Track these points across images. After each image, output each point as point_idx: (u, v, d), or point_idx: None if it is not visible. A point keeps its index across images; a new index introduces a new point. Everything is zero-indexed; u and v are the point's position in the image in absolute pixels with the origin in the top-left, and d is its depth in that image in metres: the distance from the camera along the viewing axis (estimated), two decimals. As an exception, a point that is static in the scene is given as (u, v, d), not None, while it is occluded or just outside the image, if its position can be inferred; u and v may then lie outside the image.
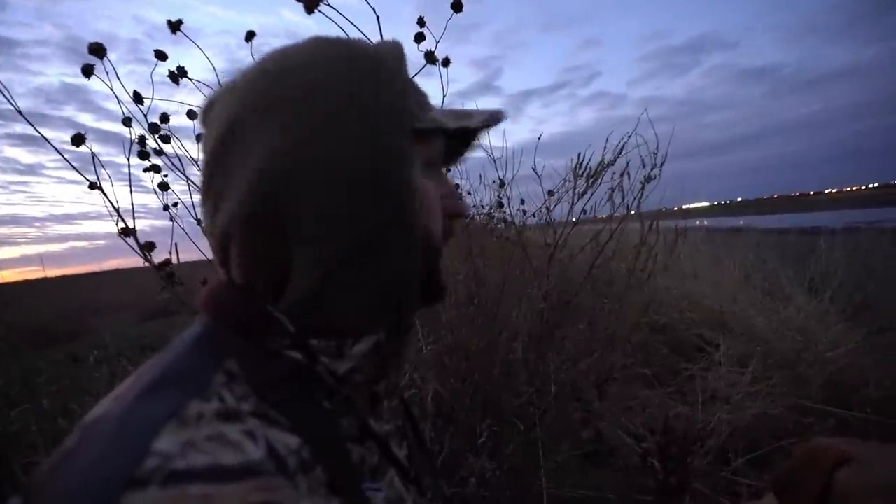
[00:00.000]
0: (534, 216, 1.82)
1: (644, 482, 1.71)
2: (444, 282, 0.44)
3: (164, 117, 1.09)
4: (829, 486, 0.72)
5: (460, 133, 0.41)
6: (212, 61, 1.14)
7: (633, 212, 1.58)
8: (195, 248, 1.30)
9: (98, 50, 0.92)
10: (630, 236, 1.82)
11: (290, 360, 0.35)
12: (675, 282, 3.38)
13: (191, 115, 1.18)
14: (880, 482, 0.67)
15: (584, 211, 1.49)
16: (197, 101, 1.13)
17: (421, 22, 1.33)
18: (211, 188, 0.37)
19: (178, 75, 1.00)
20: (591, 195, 1.47)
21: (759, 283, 3.78)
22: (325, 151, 0.34)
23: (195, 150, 1.23)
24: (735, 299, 3.35)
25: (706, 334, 3.04)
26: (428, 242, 0.40)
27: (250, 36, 1.00)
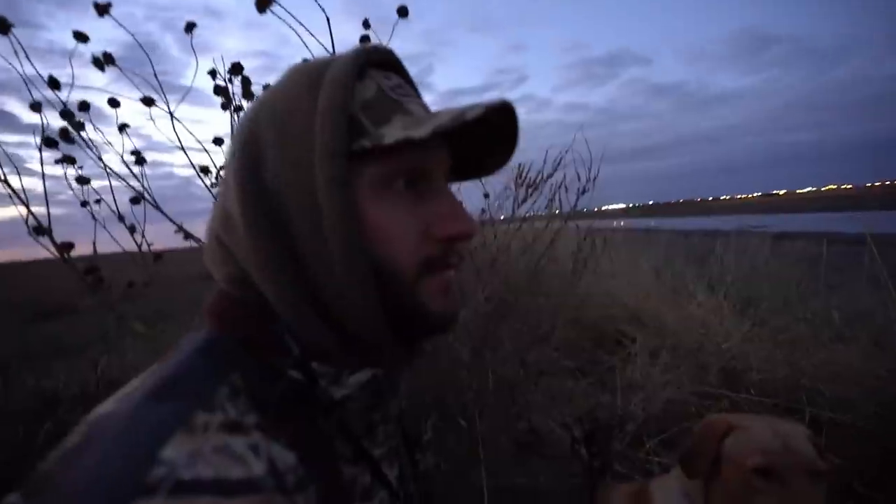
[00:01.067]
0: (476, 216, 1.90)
1: (572, 467, 1.86)
2: (435, 313, 0.39)
3: (84, 105, 0.98)
4: (719, 451, 0.88)
5: (407, 144, 0.34)
6: (114, 33, 1.02)
7: (567, 220, 1.70)
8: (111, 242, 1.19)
9: (1, 23, 0.81)
10: (564, 238, 1.95)
11: (291, 380, 0.36)
12: (597, 280, 3.66)
13: (113, 103, 1.08)
14: (756, 442, 0.85)
15: (523, 218, 1.58)
16: (99, 82, 1.01)
17: (366, 24, 1.33)
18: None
19: (104, 62, 0.90)
20: (534, 203, 1.57)
21: (668, 281, 4.21)
22: (267, 176, 0.36)
23: (117, 140, 1.12)
24: (648, 296, 3.71)
25: (624, 328, 3.34)
26: (385, 274, 0.36)
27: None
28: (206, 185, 1.11)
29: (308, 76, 0.37)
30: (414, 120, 0.36)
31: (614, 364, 2.74)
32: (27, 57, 0.84)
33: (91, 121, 1.06)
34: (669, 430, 1.95)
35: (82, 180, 1.09)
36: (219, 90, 1.17)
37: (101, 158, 1.10)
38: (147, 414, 0.29)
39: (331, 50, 1.21)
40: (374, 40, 1.32)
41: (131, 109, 1.17)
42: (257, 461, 0.29)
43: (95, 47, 0.97)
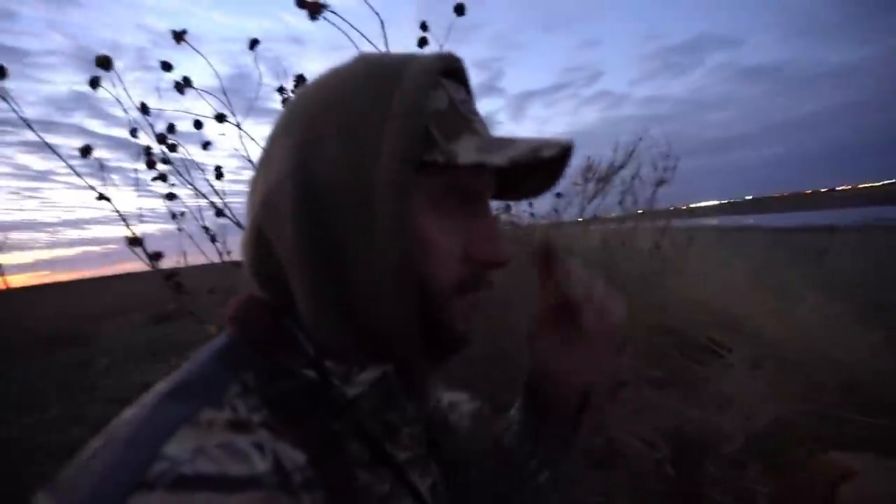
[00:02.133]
0: (543, 218, 1.82)
1: (655, 488, 1.69)
2: (458, 333, 0.39)
3: (171, 128, 1.09)
4: (832, 500, 0.72)
5: (480, 168, 0.34)
6: (216, 69, 1.14)
7: (642, 212, 1.56)
8: (202, 253, 1.31)
9: (105, 62, 0.93)
10: (641, 237, 1.80)
11: (304, 379, 0.36)
12: (684, 283, 3.34)
13: (197, 124, 1.19)
14: (879, 495, 0.67)
15: (594, 216, 1.48)
16: (202, 108, 1.14)
17: (424, 27, 1.32)
18: (251, 191, 0.40)
19: (183, 85, 1.00)
20: (604, 198, 1.46)
21: (769, 283, 3.73)
22: (322, 171, 0.34)
23: (202, 157, 1.24)
24: (745, 300, 3.31)
25: (716, 336, 3.00)
26: (426, 288, 0.36)
27: (254, 44, 1.00)
28: None
29: (383, 75, 0.36)
30: (485, 142, 0.36)
31: (707, 375, 2.47)
32: (124, 88, 0.96)
33: (180, 143, 1.18)
34: (776, 456, 1.69)
35: (171, 196, 1.21)
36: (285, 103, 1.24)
37: (189, 178, 1.22)
38: (156, 415, 0.29)
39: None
40: (433, 45, 1.31)
41: (229, 132, 1.29)
42: (261, 459, 0.29)
43: (200, 81, 1.10)
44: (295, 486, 0.30)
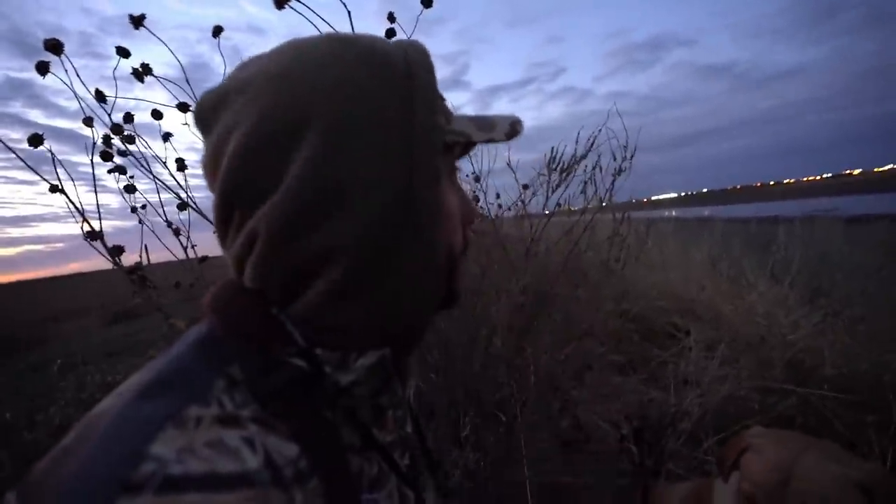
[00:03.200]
0: (509, 209, 1.85)
1: (621, 466, 1.77)
2: (460, 290, 0.43)
3: (129, 117, 1.04)
4: (737, 466, 0.80)
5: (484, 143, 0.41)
6: (174, 57, 1.10)
7: (604, 204, 1.62)
8: (165, 248, 1.27)
9: (55, 47, 0.87)
10: (602, 228, 1.87)
11: (294, 368, 0.34)
12: (645, 271, 3.49)
13: (156, 114, 1.14)
14: (754, 471, 0.76)
15: (558, 204, 1.52)
16: (159, 98, 1.09)
17: (391, 17, 1.32)
18: (241, 194, 0.35)
19: (142, 73, 0.95)
20: (566, 188, 1.51)
21: (724, 270, 3.95)
22: (357, 169, 0.33)
23: (161, 150, 1.19)
24: (703, 287, 3.49)
25: (676, 321, 3.16)
26: (450, 260, 0.40)
27: (218, 31, 0.96)
28: None
29: (388, 62, 0.36)
30: (474, 121, 0.40)
31: (666, 358, 2.60)
32: (77, 74, 0.91)
33: (138, 134, 1.13)
34: (729, 429, 1.81)
35: (130, 188, 1.16)
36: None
37: (146, 167, 1.17)
38: (138, 410, 0.28)
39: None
40: (400, 35, 1.31)
41: (186, 129, 1.24)
42: (252, 455, 0.28)
43: (157, 70, 1.04)
44: (287, 481, 0.29)
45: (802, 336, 2.12)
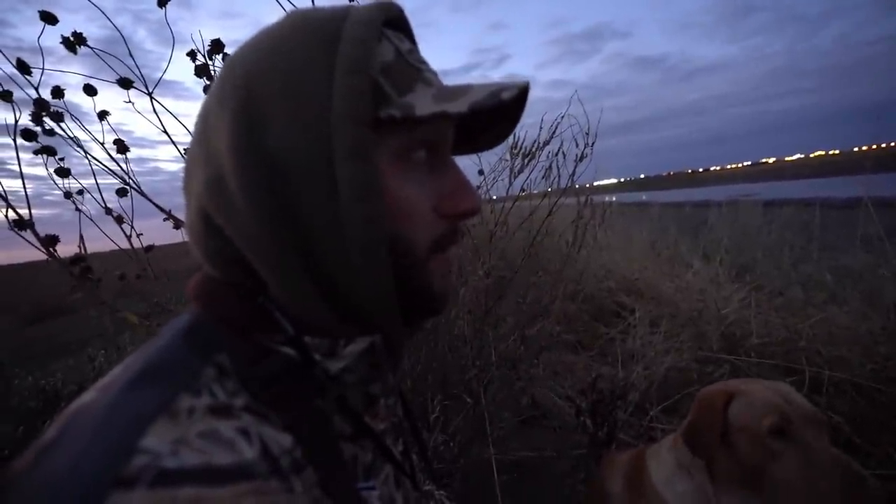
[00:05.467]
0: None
1: (577, 438, 1.88)
2: (437, 294, 0.38)
3: (58, 92, 0.92)
4: (726, 421, 0.85)
5: (441, 119, 0.32)
6: (86, 29, 0.97)
7: (566, 187, 1.68)
8: (101, 238, 1.15)
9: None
10: (562, 212, 1.93)
11: (283, 357, 0.33)
12: (593, 254, 3.67)
13: (89, 89, 1.02)
14: (763, 403, 0.81)
15: (522, 189, 1.55)
16: (71, 74, 0.96)
17: None
18: (187, 177, 0.36)
19: (75, 43, 0.84)
20: (530, 173, 1.54)
21: (663, 252, 4.24)
22: (270, 140, 0.32)
23: (98, 131, 1.07)
24: (645, 267, 3.73)
25: (622, 300, 3.36)
26: (401, 253, 0.34)
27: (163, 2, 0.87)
28: None
29: (321, 30, 0.33)
30: (440, 91, 0.33)
31: (613, 335, 2.77)
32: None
33: (68, 111, 1.00)
34: (672, 397, 1.97)
35: (62, 172, 1.04)
36: (201, 71, 1.11)
37: (82, 148, 1.05)
38: (127, 402, 0.26)
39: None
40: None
41: (111, 105, 1.11)
42: (248, 446, 0.27)
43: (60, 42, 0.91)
44: (285, 471, 0.29)
45: (733, 310, 2.33)
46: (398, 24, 0.38)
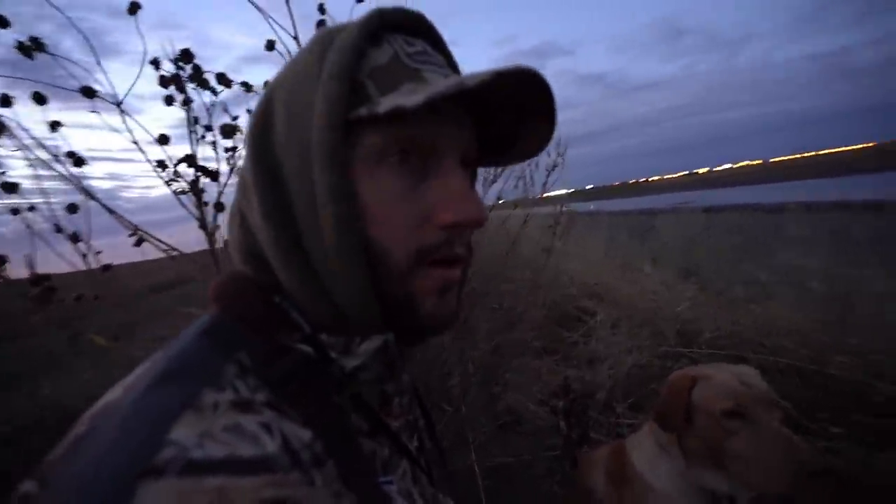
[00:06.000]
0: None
1: (550, 441, 1.93)
2: (428, 314, 0.36)
3: (5, 100, 0.86)
4: (689, 403, 0.94)
5: (398, 113, 0.30)
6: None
7: (540, 196, 1.74)
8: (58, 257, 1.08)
9: None
10: (533, 221, 2.01)
11: (301, 354, 0.34)
12: (558, 260, 3.81)
13: (38, 98, 0.97)
14: (721, 388, 0.90)
15: (499, 198, 1.61)
16: None
17: (321, 9, 1.29)
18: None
19: (32, 48, 0.80)
20: (504, 182, 1.60)
21: (616, 257, 4.48)
22: (274, 142, 0.36)
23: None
24: (601, 273, 3.92)
25: (583, 305, 3.51)
26: (375, 257, 0.33)
27: (135, 8, 0.85)
28: (165, 181, 1.02)
29: (321, 41, 0.35)
30: (418, 88, 0.32)
31: (577, 339, 2.88)
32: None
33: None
34: (637, 394, 2.08)
35: (8, 187, 0.98)
36: (167, 81, 1.08)
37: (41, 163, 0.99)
38: (153, 398, 0.27)
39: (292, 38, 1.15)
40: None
41: (36, 118, 1.04)
42: (270, 440, 0.28)
43: None
44: (306, 465, 0.29)
45: (685, 308, 2.50)
46: (412, 27, 0.38)
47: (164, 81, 1.10)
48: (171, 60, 1.07)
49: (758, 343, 2.09)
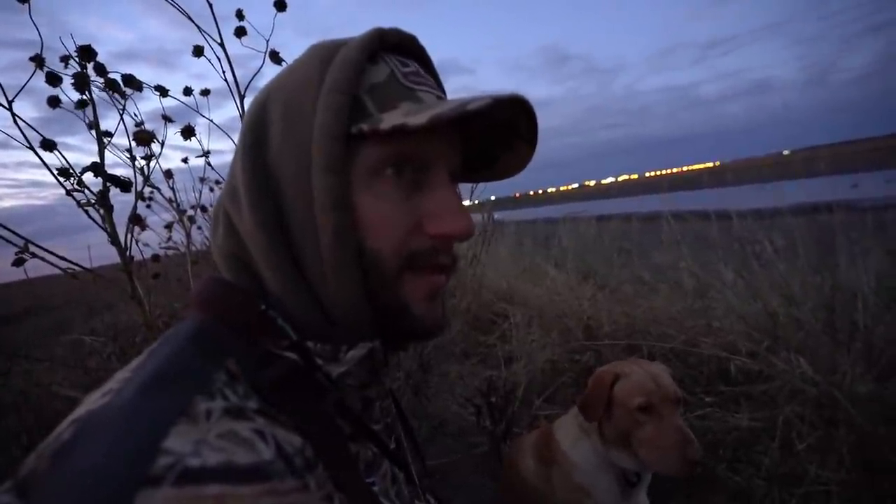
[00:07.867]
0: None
1: (476, 438, 2.02)
2: (419, 317, 0.38)
3: None
4: (611, 396, 1.08)
5: (401, 131, 0.33)
6: None
7: (470, 203, 1.82)
8: None
9: None
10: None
11: (287, 362, 0.35)
12: (475, 268, 3.97)
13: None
14: (637, 386, 1.06)
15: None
16: None
17: (240, 15, 1.25)
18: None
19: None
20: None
21: (524, 263, 4.81)
22: (270, 151, 0.37)
23: None
24: (513, 277, 4.18)
25: (497, 309, 3.71)
26: (368, 264, 0.36)
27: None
28: (67, 190, 0.89)
29: (321, 55, 0.37)
30: (417, 108, 0.35)
31: (493, 341, 3.05)
32: None
33: None
34: (550, 387, 2.26)
35: None
36: (55, 80, 0.95)
37: None
38: (144, 406, 0.27)
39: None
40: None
41: None
42: (265, 446, 0.28)
43: None
44: (300, 470, 0.30)
45: (587, 307, 2.79)
46: (407, 48, 0.41)
47: (51, 79, 0.97)
48: (62, 58, 0.95)
49: (646, 332, 2.41)
